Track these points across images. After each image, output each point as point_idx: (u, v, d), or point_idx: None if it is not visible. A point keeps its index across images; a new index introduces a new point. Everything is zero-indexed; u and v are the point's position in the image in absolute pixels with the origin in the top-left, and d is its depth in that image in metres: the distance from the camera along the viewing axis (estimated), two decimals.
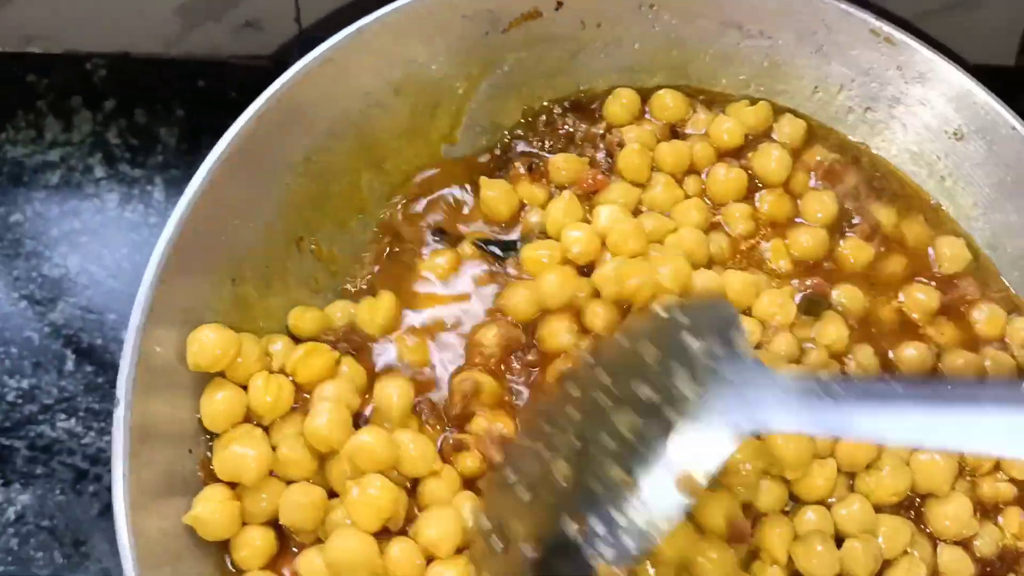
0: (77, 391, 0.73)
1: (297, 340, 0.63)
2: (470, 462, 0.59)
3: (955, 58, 0.71)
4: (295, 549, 0.58)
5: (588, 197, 0.69)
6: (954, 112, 0.71)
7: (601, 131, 0.71)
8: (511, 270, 0.66)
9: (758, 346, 0.63)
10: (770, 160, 0.71)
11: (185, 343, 0.58)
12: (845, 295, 0.68)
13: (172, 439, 0.58)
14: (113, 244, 0.79)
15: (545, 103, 0.74)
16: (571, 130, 0.72)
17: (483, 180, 0.69)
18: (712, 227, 0.70)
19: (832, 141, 0.75)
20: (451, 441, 0.60)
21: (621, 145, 0.70)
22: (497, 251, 0.67)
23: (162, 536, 0.56)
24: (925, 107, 0.72)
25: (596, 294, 0.63)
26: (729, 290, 0.65)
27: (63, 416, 0.73)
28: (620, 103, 0.73)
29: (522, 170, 0.70)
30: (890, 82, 0.73)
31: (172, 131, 0.84)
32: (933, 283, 0.70)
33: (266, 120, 0.62)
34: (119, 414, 0.55)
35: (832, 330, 0.65)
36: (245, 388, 0.59)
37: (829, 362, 0.64)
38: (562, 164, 0.70)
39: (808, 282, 0.68)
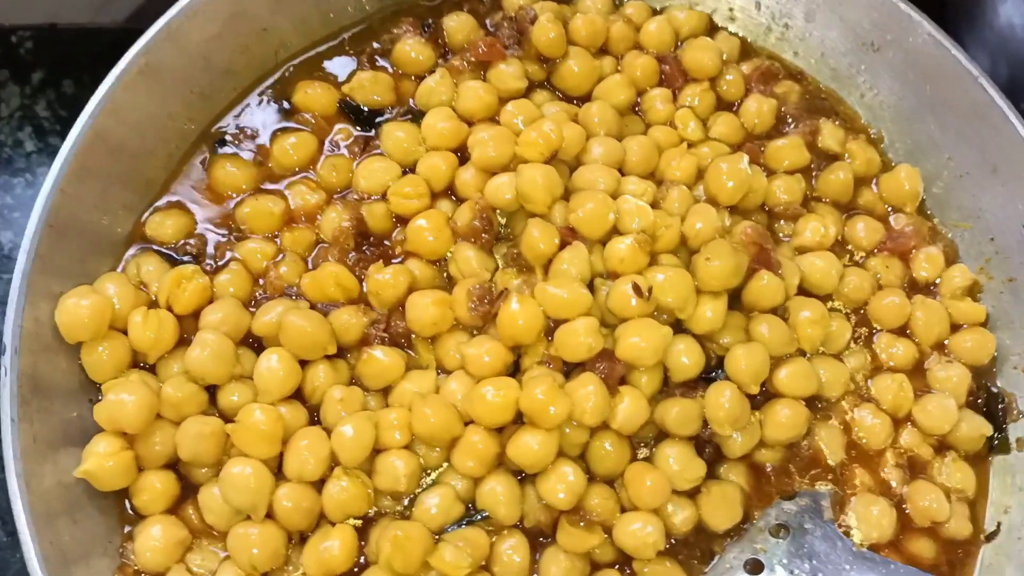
0: None
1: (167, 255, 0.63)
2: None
3: None
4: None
5: (481, 66, 0.66)
6: (869, 23, 0.69)
7: (512, 14, 0.68)
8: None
9: (654, 205, 0.61)
10: (699, 50, 0.69)
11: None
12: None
13: (71, 390, 0.58)
14: None
15: None
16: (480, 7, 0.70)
17: (358, 76, 0.66)
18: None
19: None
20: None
21: (533, 20, 0.66)
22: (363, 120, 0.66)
23: (60, 487, 0.55)
24: (842, 20, 0.70)
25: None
26: (631, 154, 0.64)
27: None
28: None
29: (412, 30, 0.68)
30: None
31: None
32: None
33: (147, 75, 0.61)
34: (6, 362, 0.54)
35: None
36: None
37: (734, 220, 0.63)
38: (456, 24, 0.68)
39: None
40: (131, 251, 0.62)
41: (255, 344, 0.59)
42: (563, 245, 0.59)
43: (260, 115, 0.67)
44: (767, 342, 0.59)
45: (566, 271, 0.58)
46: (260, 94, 0.67)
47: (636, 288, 0.57)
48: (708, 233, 0.60)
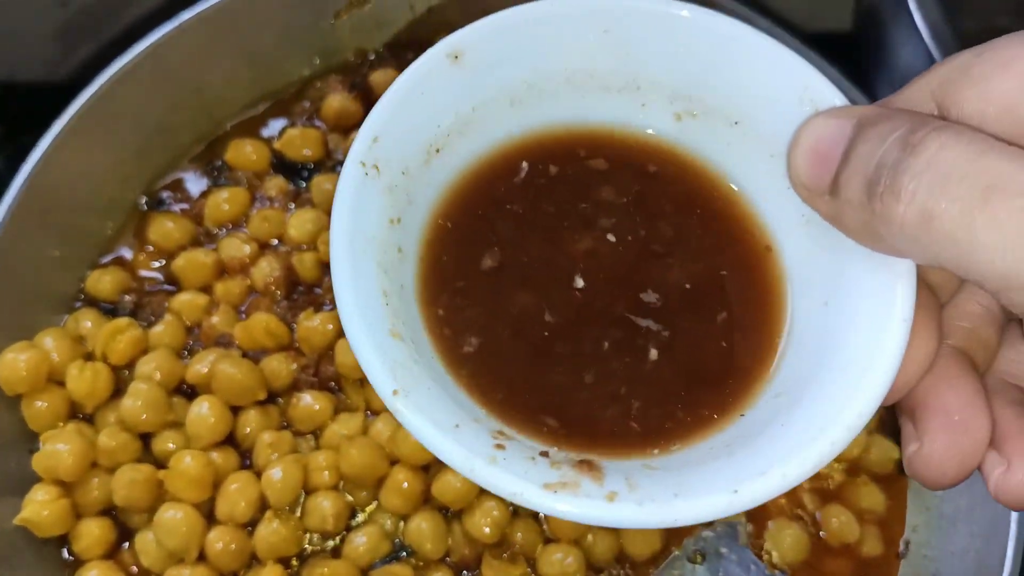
0: None
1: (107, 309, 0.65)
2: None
3: (791, 27, 0.71)
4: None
5: None
6: None
7: None
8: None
9: None
10: None
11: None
12: None
13: (10, 441, 0.60)
14: None
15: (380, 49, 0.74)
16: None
17: (288, 132, 0.69)
18: None
19: None
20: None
21: None
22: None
23: None
24: None
25: None
26: None
27: None
28: None
29: (340, 86, 0.70)
30: None
31: None
32: None
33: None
34: None
35: None
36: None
37: None
38: (383, 78, 0.70)
39: None
40: (71, 307, 0.65)
41: (190, 392, 0.62)
42: None
43: (195, 173, 0.70)
44: None
45: None
46: (195, 153, 0.70)
47: None
48: None
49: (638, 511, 0.32)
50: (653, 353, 0.38)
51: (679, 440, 0.36)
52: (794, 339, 0.38)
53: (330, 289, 0.63)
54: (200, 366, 0.60)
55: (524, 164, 0.41)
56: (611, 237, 0.40)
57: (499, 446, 0.33)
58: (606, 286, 0.39)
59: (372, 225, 0.36)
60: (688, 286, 0.39)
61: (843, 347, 0.35)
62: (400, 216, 0.38)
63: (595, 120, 0.42)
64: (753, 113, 0.39)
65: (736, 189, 0.41)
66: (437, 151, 0.39)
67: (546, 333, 0.38)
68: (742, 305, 0.39)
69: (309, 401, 0.60)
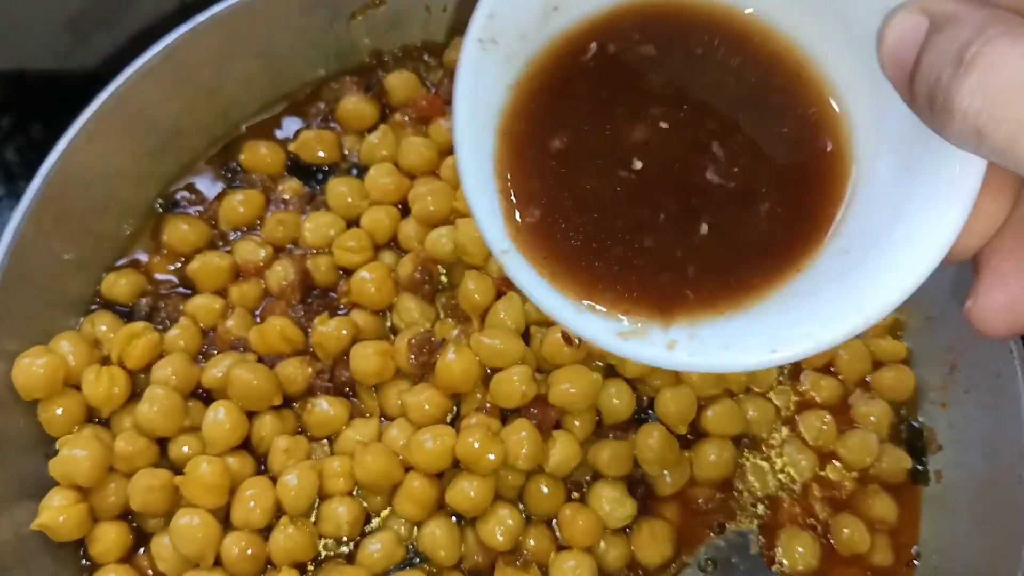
0: None
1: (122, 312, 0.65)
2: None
3: None
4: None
5: (423, 121, 0.69)
6: None
7: (452, 70, 0.70)
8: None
9: None
10: None
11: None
12: None
13: (27, 445, 0.60)
14: None
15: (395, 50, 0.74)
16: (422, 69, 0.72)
17: (303, 134, 0.69)
18: None
19: None
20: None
21: None
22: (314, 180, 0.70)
23: (16, 540, 0.57)
24: None
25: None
26: None
27: None
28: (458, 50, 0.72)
29: (355, 88, 0.70)
30: None
31: None
32: None
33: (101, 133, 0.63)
34: None
35: None
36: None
37: None
38: (398, 81, 0.70)
39: None
40: (86, 310, 0.65)
41: (205, 396, 0.62)
42: (499, 295, 0.62)
43: (209, 175, 0.70)
44: (694, 384, 0.62)
45: (502, 320, 0.61)
46: (210, 155, 0.70)
47: (566, 337, 0.60)
48: None
49: (688, 359, 0.36)
50: (717, 217, 0.39)
51: (738, 301, 0.38)
52: (854, 207, 0.39)
53: (345, 293, 0.64)
54: (216, 370, 0.60)
55: (609, 42, 0.41)
56: (684, 107, 0.40)
57: (590, 306, 0.38)
58: (682, 133, 0.40)
59: (491, 96, 0.38)
60: (754, 146, 0.40)
61: (897, 224, 0.36)
62: (517, 80, 0.39)
63: None
64: None
65: (810, 52, 0.40)
66: (555, 8, 0.39)
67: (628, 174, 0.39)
68: (805, 171, 0.40)
69: (324, 407, 0.60)
